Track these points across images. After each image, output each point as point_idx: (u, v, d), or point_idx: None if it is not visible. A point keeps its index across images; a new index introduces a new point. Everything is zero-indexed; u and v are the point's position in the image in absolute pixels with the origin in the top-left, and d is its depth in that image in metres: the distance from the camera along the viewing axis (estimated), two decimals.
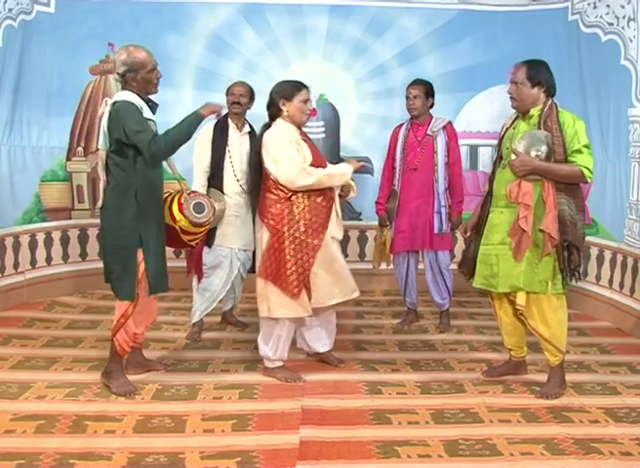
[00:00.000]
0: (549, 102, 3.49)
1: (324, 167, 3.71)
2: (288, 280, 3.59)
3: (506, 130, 3.67)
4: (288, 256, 3.59)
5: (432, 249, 4.70)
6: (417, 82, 4.71)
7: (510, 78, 3.59)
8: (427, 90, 4.67)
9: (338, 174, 3.71)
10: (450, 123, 4.78)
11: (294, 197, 3.63)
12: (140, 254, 3.43)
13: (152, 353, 4.12)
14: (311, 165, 3.62)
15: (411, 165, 4.69)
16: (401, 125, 4.85)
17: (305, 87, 3.73)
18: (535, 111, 3.51)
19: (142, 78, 3.43)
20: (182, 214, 3.53)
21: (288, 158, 3.58)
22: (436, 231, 4.65)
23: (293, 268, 3.59)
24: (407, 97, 4.70)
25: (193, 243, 3.76)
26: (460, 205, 4.75)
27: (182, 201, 3.54)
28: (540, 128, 3.44)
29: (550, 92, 3.52)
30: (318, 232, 3.64)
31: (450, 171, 4.71)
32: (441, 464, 2.83)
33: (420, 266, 4.90)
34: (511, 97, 3.56)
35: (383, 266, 4.87)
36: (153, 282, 3.49)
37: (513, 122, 3.65)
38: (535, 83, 3.49)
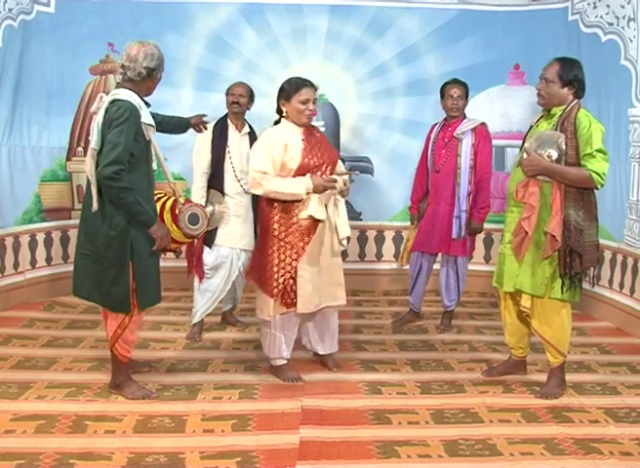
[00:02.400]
0: (573, 103, 3.38)
1: (315, 167, 3.61)
2: (268, 281, 3.58)
3: (530, 127, 3.61)
4: (272, 257, 3.57)
5: (448, 253, 4.65)
6: (459, 82, 4.60)
7: (540, 74, 3.46)
8: (467, 91, 4.62)
9: (287, 193, 3.52)
10: (483, 124, 4.60)
11: None
12: (131, 267, 3.23)
13: (152, 353, 4.13)
14: (299, 167, 3.55)
15: (435, 166, 4.63)
16: (436, 124, 4.76)
17: (307, 85, 3.63)
18: (557, 110, 3.42)
19: (159, 78, 3.33)
20: (177, 225, 3.32)
21: (251, 164, 3.57)
22: (454, 236, 4.56)
23: (274, 269, 3.57)
24: (449, 97, 4.57)
25: (178, 249, 3.59)
26: (483, 211, 4.57)
27: (178, 212, 3.32)
28: (557, 128, 3.36)
29: (579, 93, 3.41)
30: (305, 235, 3.59)
31: (476, 175, 4.54)
32: (441, 464, 2.84)
33: (437, 266, 4.87)
34: (538, 94, 3.46)
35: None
36: (143, 296, 3.30)
37: (538, 120, 3.57)
38: (565, 82, 3.37)
